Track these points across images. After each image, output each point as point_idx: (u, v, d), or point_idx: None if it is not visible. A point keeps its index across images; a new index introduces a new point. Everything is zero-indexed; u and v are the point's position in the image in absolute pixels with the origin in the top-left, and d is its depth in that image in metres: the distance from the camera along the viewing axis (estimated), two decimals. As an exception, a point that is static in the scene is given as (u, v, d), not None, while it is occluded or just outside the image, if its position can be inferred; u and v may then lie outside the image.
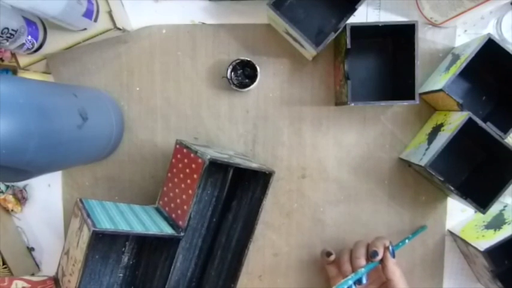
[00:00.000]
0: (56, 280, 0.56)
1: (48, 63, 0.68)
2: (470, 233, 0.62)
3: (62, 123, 0.52)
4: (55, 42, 0.63)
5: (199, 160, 0.54)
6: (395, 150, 0.68)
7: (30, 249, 0.72)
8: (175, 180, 0.58)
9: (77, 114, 0.56)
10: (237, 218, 0.65)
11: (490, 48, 0.56)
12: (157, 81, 0.69)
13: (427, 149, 0.60)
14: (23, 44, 0.59)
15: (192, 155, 0.56)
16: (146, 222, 0.56)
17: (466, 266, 0.68)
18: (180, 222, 0.56)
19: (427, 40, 0.66)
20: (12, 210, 0.71)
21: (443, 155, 0.56)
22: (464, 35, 0.67)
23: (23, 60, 0.65)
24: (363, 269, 0.57)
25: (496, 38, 0.56)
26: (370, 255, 0.57)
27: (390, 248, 0.58)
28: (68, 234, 0.57)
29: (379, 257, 0.57)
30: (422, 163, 0.57)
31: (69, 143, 0.55)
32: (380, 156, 0.68)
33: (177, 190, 0.58)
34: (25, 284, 0.54)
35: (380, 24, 0.59)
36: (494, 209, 0.62)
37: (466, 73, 0.57)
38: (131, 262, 0.62)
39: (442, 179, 0.57)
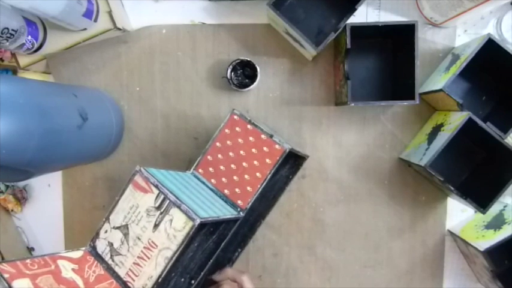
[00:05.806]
0: (97, 255, 0.51)
1: (48, 63, 0.68)
2: (470, 233, 0.62)
3: (62, 123, 0.52)
4: (55, 42, 0.63)
5: (277, 147, 0.54)
6: (395, 150, 0.68)
7: (30, 249, 0.72)
8: (230, 154, 0.57)
9: (77, 114, 0.56)
10: None
11: (490, 48, 0.56)
12: (157, 81, 0.69)
13: (427, 149, 0.60)
14: (23, 44, 0.59)
15: (263, 136, 0.55)
16: (211, 201, 0.54)
17: (466, 266, 0.68)
18: (239, 202, 0.55)
19: (427, 40, 0.66)
20: (12, 210, 0.71)
21: (443, 155, 0.56)
22: (464, 35, 0.67)
23: (23, 60, 0.65)
24: None
25: (496, 38, 0.56)
26: None
27: None
28: (119, 207, 0.51)
29: None
30: (422, 163, 0.57)
31: (69, 143, 0.55)
32: (380, 156, 0.68)
33: (233, 166, 0.56)
34: (72, 265, 0.49)
35: (380, 24, 0.59)
36: (494, 209, 0.62)
37: (466, 73, 0.57)
38: None
39: (442, 179, 0.57)
